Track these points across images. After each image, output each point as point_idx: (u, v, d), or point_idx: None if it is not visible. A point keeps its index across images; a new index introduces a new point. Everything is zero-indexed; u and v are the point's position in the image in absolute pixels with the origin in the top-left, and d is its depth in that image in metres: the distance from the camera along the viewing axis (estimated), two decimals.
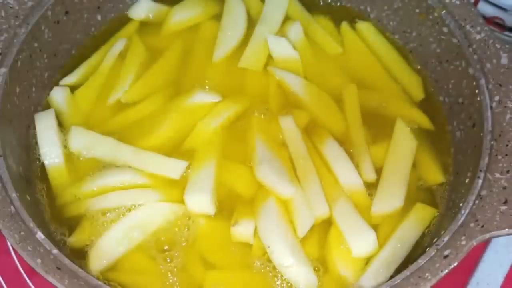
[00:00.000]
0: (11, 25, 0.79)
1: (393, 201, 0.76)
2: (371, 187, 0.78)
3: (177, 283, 0.72)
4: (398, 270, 0.69)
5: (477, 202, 0.68)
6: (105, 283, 0.64)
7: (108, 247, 0.73)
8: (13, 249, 0.84)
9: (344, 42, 0.92)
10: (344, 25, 0.93)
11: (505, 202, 0.67)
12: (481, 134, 0.73)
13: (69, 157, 0.80)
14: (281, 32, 0.91)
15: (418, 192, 0.79)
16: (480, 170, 0.70)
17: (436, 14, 0.84)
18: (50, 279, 0.63)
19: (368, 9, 0.95)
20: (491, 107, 0.74)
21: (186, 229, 0.75)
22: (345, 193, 0.76)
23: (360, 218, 0.74)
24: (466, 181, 0.73)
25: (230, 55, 0.89)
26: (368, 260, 0.73)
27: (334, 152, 0.79)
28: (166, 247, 0.74)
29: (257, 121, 0.83)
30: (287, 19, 0.93)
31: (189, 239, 0.74)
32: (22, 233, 0.65)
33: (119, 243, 0.73)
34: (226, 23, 0.91)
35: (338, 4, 0.97)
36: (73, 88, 0.86)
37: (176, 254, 0.73)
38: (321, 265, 0.73)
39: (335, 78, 0.88)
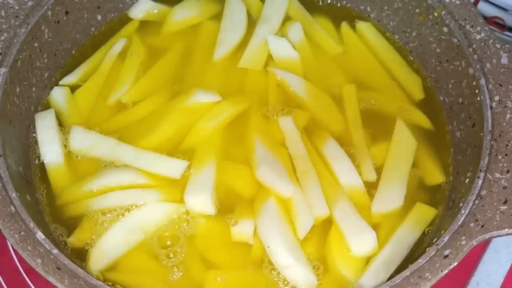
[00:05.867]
0: (11, 25, 0.79)
1: (393, 201, 0.76)
2: (371, 187, 0.78)
3: (179, 280, 0.72)
4: (398, 270, 0.69)
5: (477, 202, 0.68)
6: (105, 283, 0.64)
7: (108, 247, 0.73)
8: (13, 249, 0.84)
9: (344, 42, 0.92)
10: (344, 25, 0.93)
11: (505, 202, 0.67)
12: (481, 134, 0.73)
13: (69, 156, 0.80)
14: (281, 32, 0.91)
15: (418, 192, 0.79)
16: (480, 170, 0.70)
17: (436, 14, 0.84)
18: (50, 279, 0.63)
19: (368, 9, 0.95)
20: (491, 107, 0.74)
21: (185, 225, 0.75)
22: (345, 193, 0.76)
23: (360, 218, 0.74)
24: (466, 181, 0.73)
25: (230, 55, 0.89)
26: (368, 260, 0.73)
27: (334, 152, 0.79)
28: (169, 243, 0.74)
29: (257, 121, 0.83)
30: (287, 19, 0.93)
31: (190, 237, 0.74)
32: (22, 233, 0.65)
33: (119, 243, 0.73)
34: (226, 23, 0.92)
35: (338, 4, 0.97)
36: (73, 88, 0.86)
37: (178, 250, 0.73)
38: (321, 265, 0.73)
39: (335, 78, 0.88)
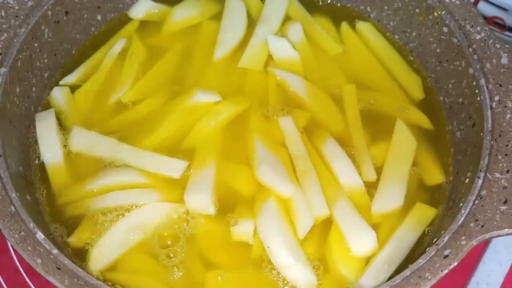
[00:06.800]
0: (11, 25, 0.79)
1: (393, 201, 0.76)
2: (371, 187, 0.78)
3: (179, 280, 0.72)
4: (398, 270, 0.69)
5: (477, 202, 0.68)
6: (105, 283, 0.64)
7: (108, 247, 0.73)
8: (13, 249, 0.84)
9: (344, 42, 0.92)
10: (344, 25, 0.93)
11: (505, 202, 0.67)
12: (481, 134, 0.73)
13: (69, 156, 0.80)
14: (281, 32, 0.91)
15: (418, 192, 0.79)
16: (480, 170, 0.70)
17: (436, 14, 0.84)
18: (50, 279, 0.63)
19: (368, 9, 0.95)
20: (491, 107, 0.74)
21: (185, 225, 0.75)
22: (345, 192, 0.76)
23: (360, 217, 0.74)
24: (466, 181, 0.73)
25: (230, 55, 0.89)
26: (368, 260, 0.73)
27: (334, 152, 0.79)
28: (169, 242, 0.74)
29: (257, 121, 0.83)
30: (287, 19, 0.93)
31: (190, 237, 0.74)
32: (22, 233, 0.65)
33: (119, 243, 0.73)
34: (226, 23, 0.92)
35: (338, 4, 0.97)
36: (73, 88, 0.86)
37: (178, 250, 0.73)
38: (321, 265, 0.73)
39: (335, 78, 0.88)
